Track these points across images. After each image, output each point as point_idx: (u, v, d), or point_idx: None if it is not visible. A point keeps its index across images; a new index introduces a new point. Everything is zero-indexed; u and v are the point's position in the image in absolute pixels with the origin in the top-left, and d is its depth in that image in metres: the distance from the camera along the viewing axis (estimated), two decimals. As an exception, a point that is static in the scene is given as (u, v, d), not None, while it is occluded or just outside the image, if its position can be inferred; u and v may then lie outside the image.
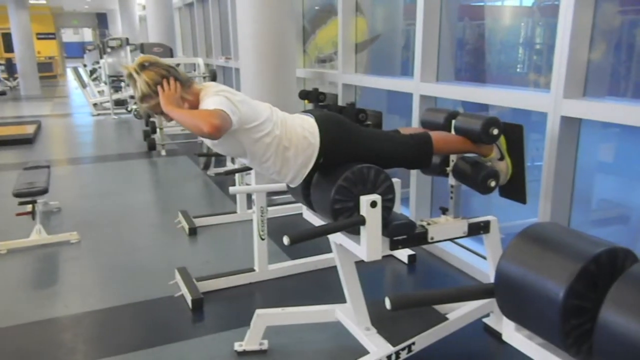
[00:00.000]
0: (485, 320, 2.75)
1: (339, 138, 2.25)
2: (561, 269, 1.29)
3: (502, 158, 2.53)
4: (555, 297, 1.27)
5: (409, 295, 1.67)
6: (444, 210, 2.53)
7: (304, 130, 2.23)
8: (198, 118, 1.97)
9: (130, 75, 2.16)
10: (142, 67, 2.16)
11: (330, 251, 2.55)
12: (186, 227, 4.30)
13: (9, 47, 18.92)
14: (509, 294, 1.44)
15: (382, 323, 2.48)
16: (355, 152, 2.26)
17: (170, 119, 2.17)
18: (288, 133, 2.21)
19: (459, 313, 2.55)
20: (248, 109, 2.15)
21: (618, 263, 1.29)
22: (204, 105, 2.08)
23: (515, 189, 2.59)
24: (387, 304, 1.55)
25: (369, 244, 2.13)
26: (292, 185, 2.39)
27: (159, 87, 2.12)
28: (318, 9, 6.21)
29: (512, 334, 1.52)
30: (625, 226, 3.02)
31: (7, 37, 18.36)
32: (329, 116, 2.34)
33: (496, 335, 2.64)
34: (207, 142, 2.26)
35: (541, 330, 1.38)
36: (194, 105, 2.16)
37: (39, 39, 22.16)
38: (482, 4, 3.99)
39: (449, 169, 2.60)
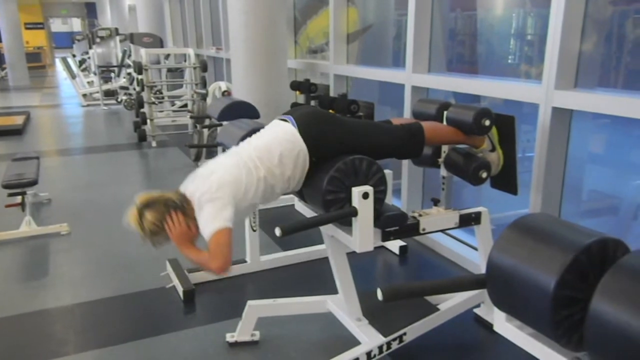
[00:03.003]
0: (476, 310, 2.76)
1: (323, 132, 2.23)
2: (552, 259, 1.30)
3: (493, 149, 2.54)
4: (546, 287, 1.27)
5: (401, 287, 1.67)
6: (436, 202, 2.54)
7: (282, 144, 2.17)
8: (206, 264, 2.09)
9: (135, 222, 2.15)
10: (142, 210, 2.14)
11: (322, 242, 2.55)
12: (177, 218, 4.27)
13: (-4, 37, 18.68)
14: (500, 284, 1.44)
15: (374, 314, 2.49)
16: (345, 143, 2.24)
17: None
18: (271, 164, 2.15)
19: (450, 304, 2.57)
20: (231, 190, 2.10)
21: (609, 253, 1.29)
22: (203, 224, 2.08)
23: (506, 180, 2.59)
24: (380, 295, 1.55)
25: (360, 235, 2.13)
26: (297, 189, 2.32)
27: (165, 226, 2.13)
28: (309, -1, 6.16)
29: (503, 324, 1.53)
30: (615, 216, 3.04)
31: (-5, 27, 18.11)
32: (308, 114, 2.30)
33: (487, 326, 2.65)
34: None
35: (532, 320, 1.38)
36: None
37: (27, 28, 21.88)
38: (474, -6, 3.97)
39: (440, 160, 2.60)
